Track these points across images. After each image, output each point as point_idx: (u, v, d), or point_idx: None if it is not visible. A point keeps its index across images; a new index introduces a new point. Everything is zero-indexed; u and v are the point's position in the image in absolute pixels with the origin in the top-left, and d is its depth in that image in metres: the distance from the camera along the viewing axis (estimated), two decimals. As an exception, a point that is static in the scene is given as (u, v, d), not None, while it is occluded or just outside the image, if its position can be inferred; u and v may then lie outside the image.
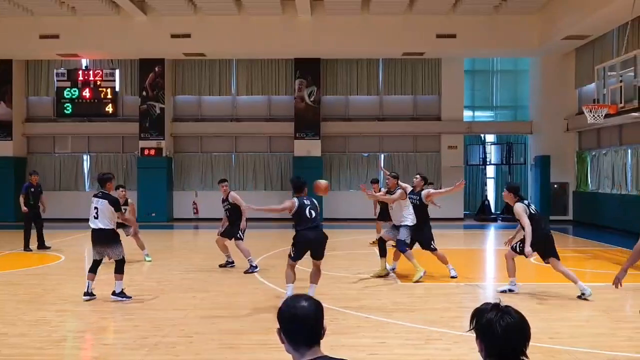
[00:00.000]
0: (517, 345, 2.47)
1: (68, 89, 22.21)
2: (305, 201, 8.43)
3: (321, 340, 2.62)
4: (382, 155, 23.31)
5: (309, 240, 8.14)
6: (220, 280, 10.31)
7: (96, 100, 22.23)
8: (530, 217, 8.48)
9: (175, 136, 23.21)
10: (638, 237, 5.42)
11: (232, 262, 11.46)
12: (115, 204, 8.66)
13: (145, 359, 5.89)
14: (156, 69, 22.20)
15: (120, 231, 12.08)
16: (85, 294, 8.64)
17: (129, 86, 23.09)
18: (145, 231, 18.68)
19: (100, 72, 22.30)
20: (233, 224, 11.08)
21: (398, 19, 20.27)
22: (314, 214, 8.29)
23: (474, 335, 2.55)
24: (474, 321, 2.56)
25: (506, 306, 2.53)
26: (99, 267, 8.83)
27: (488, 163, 23.77)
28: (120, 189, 12.05)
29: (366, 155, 23.31)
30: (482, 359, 2.53)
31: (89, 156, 23.55)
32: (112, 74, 22.35)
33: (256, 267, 11.01)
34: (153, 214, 21.31)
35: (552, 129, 21.89)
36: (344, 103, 23.42)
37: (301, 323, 2.58)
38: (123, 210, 11.94)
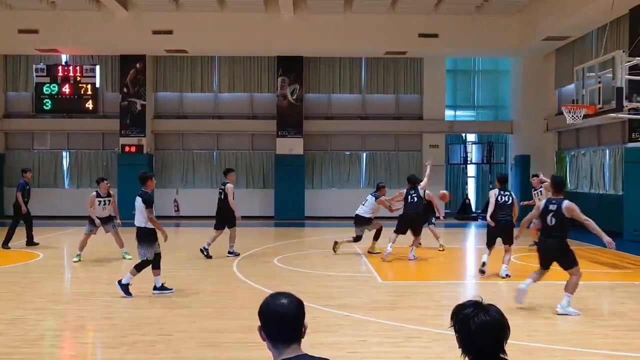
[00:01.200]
0: (491, 343, 2.49)
1: (47, 84, 21.92)
2: None
3: (302, 339, 2.62)
4: (365, 154, 23.34)
5: None
6: (201, 278, 10.27)
7: (76, 97, 21.96)
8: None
9: (156, 133, 23.04)
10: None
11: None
12: (146, 201, 8.72)
13: (124, 357, 5.85)
14: (137, 65, 22.01)
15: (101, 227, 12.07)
16: (155, 288, 8.77)
17: (109, 82, 22.86)
18: (126, 229, 18.53)
19: (80, 68, 22.03)
20: None
21: (381, 18, 20.32)
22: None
23: (454, 332, 2.58)
24: (453, 317, 2.58)
25: (487, 304, 2.55)
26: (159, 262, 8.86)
27: (469, 162, 23.94)
28: (105, 182, 12.09)
29: (348, 153, 23.34)
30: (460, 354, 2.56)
31: (68, 153, 23.28)
32: (93, 70, 22.10)
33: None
34: (133, 212, 21.07)
35: (532, 129, 22.12)
36: (326, 101, 23.43)
37: (280, 321, 2.58)
38: (105, 202, 11.92)
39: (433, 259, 12.71)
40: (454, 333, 2.56)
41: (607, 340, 6.48)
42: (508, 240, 10.31)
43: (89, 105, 22.03)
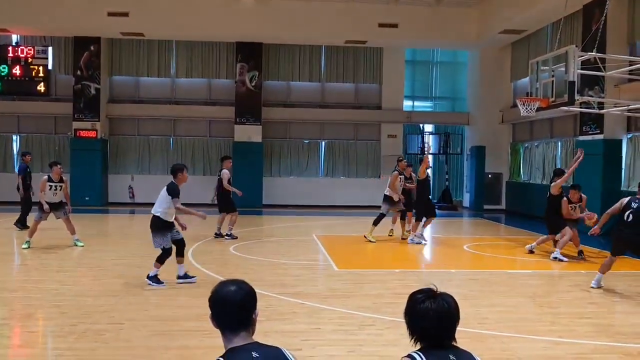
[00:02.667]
0: (438, 331, 2.50)
1: (-4, 65, 21.14)
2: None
3: (254, 327, 2.60)
4: (324, 143, 23.37)
5: None
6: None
7: (27, 78, 21.23)
8: None
9: (111, 118, 22.52)
10: None
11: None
12: (171, 191, 8.37)
13: (73, 346, 5.72)
14: (92, 47, 21.43)
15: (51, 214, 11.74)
16: (178, 277, 8.61)
17: (62, 65, 22.20)
18: (79, 215, 18.10)
19: (32, 49, 21.28)
20: None
21: (341, 7, 20.28)
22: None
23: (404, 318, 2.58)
24: (407, 303, 2.60)
25: (440, 292, 2.56)
26: (172, 252, 8.54)
27: (426, 152, 24.20)
28: (58, 166, 11.80)
29: (307, 142, 23.31)
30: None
31: (18, 136, 22.56)
32: (45, 52, 21.38)
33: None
34: (87, 198, 20.64)
35: (488, 121, 22.51)
36: (285, 89, 23.31)
37: (228, 308, 2.55)
38: (57, 187, 11.57)
39: (386, 248, 12.84)
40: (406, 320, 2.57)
41: (553, 327, 6.67)
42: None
43: (41, 87, 21.33)
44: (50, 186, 11.62)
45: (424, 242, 12.91)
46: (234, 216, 13.38)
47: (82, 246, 11.65)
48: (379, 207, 13.70)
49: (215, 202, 13.87)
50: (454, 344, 2.53)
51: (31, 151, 22.33)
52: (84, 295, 7.79)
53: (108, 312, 6.95)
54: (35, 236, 11.68)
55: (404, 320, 2.58)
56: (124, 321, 6.56)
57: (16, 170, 22.11)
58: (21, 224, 14.25)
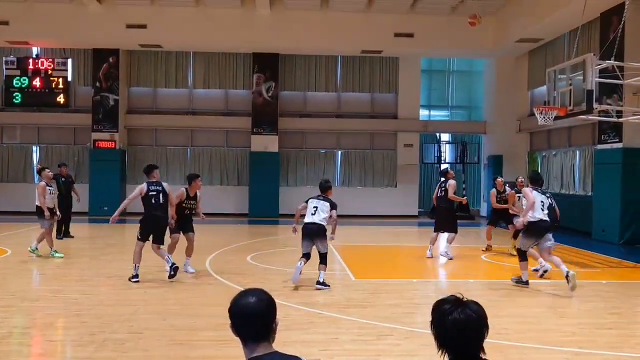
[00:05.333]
0: (466, 341, 2.39)
1: (17, 77, 21.52)
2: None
3: (274, 336, 2.61)
4: (340, 152, 23.39)
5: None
6: (173, 275, 10.15)
7: (47, 90, 21.59)
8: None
9: (129, 128, 22.76)
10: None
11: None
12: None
13: (93, 355, 5.76)
14: (110, 59, 21.72)
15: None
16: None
17: (81, 76, 22.52)
18: (97, 225, 18.30)
19: (52, 61, 21.67)
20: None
21: (357, 17, 20.36)
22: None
23: (431, 328, 2.48)
24: (433, 312, 2.50)
25: (467, 301, 2.45)
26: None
27: (443, 162, 24.15)
28: (47, 170, 12.12)
29: (323, 151, 23.36)
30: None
31: (38, 147, 22.88)
32: (64, 64, 21.73)
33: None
34: (105, 208, 20.75)
35: (505, 130, 22.39)
36: (302, 99, 23.41)
37: (248, 318, 2.56)
38: (52, 191, 11.80)
39: (405, 258, 12.78)
40: (428, 330, 2.48)
41: (574, 338, 6.59)
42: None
43: (60, 99, 21.68)
44: (50, 190, 11.81)
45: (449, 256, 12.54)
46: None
47: (61, 257, 11.54)
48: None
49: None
50: (483, 355, 2.43)
51: (51, 162, 22.70)
52: (104, 305, 7.85)
53: (127, 321, 7.00)
54: (55, 246, 11.78)
55: (422, 330, 2.55)
56: (142, 330, 6.60)
57: (35, 181, 22.48)
58: (63, 234, 14.47)
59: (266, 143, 22.09)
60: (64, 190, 14.47)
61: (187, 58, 22.87)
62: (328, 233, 9.18)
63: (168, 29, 20.34)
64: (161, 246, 9.51)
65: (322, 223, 9.07)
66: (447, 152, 24.37)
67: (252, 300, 2.58)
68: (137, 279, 9.23)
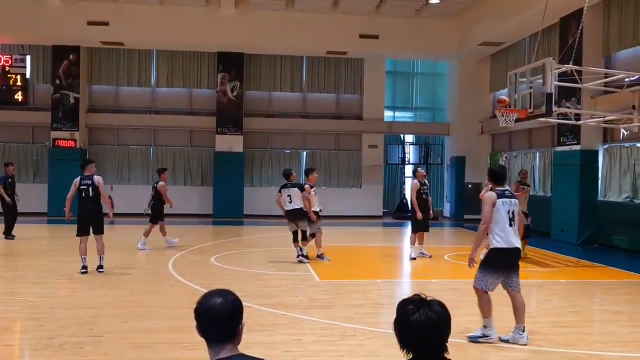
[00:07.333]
0: (430, 341, 2.38)
1: (-27, 73, 20.88)
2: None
3: (240, 338, 2.57)
4: (305, 153, 23.38)
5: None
6: (135, 277, 10.02)
7: (4, 87, 21.04)
8: None
9: (90, 127, 22.33)
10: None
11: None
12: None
13: (50, 360, 5.63)
14: (71, 56, 21.26)
15: None
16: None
17: (40, 73, 21.98)
18: (56, 225, 17.89)
19: (10, 58, 21.10)
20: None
21: (322, 17, 20.40)
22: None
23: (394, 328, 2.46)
24: (396, 312, 2.48)
25: (430, 300, 2.44)
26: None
27: (407, 162, 24.37)
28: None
29: (288, 152, 23.32)
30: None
31: (-5, 146, 22.25)
32: (23, 60, 21.21)
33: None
34: (64, 208, 20.34)
35: (468, 131, 22.74)
36: (267, 99, 23.33)
37: (214, 319, 2.52)
38: None
39: (371, 257, 12.85)
40: (391, 330, 2.47)
41: (533, 337, 6.71)
42: None
43: (19, 96, 21.15)
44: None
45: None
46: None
47: None
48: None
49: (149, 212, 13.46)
50: (446, 355, 2.43)
51: (7, 159, 22.09)
52: (62, 307, 7.68)
53: (87, 324, 6.85)
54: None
55: (385, 331, 2.55)
56: (102, 333, 6.47)
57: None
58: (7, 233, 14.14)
59: (231, 143, 21.94)
60: (9, 190, 14.31)
61: (150, 56, 22.55)
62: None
63: (131, 26, 20.02)
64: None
65: (299, 206, 11.23)
66: (411, 153, 24.61)
67: (218, 300, 2.54)
68: (85, 270, 9.83)
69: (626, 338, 6.82)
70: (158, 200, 13.20)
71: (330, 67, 23.13)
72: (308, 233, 11.73)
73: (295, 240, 11.51)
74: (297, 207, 11.27)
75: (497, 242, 6.24)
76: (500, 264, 6.32)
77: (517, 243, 6.29)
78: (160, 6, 19.93)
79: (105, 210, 10.25)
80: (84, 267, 9.87)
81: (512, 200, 6.33)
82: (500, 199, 6.27)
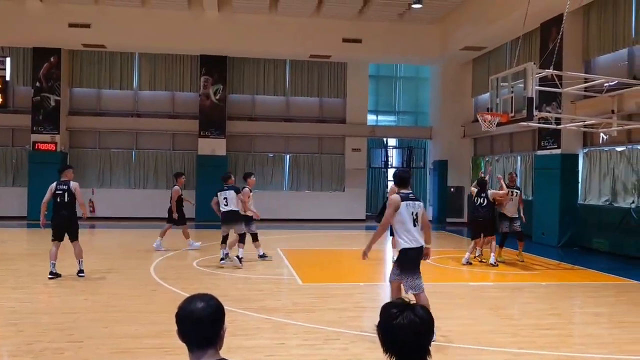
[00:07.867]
0: (412, 344, 2.39)
1: (-49, 76, 20.55)
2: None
3: (222, 342, 2.55)
4: (288, 156, 23.35)
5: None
6: (116, 282, 9.92)
7: (-17, 89, 20.70)
8: None
9: (71, 130, 22.10)
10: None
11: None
12: None
13: (29, 366, 5.54)
14: (52, 59, 21.03)
15: None
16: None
17: (21, 76, 21.70)
18: (36, 230, 17.65)
19: (-11, 60, 20.79)
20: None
21: (306, 21, 20.42)
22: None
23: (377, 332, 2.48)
24: (380, 315, 2.48)
25: (414, 304, 2.46)
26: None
27: (390, 166, 24.45)
28: None
29: (272, 155, 23.28)
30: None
31: (-27, 149, 21.93)
32: (3, 62, 20.84)
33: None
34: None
35: (450, 135, 22.88)
36: (250, 102, 23.28)
37: (196, 324, 2.49)
38: None
39: (351, 261, 12.85)
40: (375, 334, 2.46)
41: (515, 339, 6.77)
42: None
43: (-2, 99, 20.81)
44: None
45: None
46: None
47: None
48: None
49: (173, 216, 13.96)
50: (429, 358, 2.43)
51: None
52: (42, 313, 7.58)
53: (67, 330, 6.77)
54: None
55: (369, 334, 2.56)
56: (83, 339, 6.39)
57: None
58: None
59: (214, 146, 21.85)
60: None
61: (133, 59, 22.38)
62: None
63: (113, 29, 19.87)
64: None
65: (234, 209, 11.36)
66: (394, 157, 24.71)
67: (199, 305, 2.52)
68: (52, 276, 9.69)
69: (607, 340, 6.90)
70: (178, 204, 13.87)
71: (314, 70, 23.15)
72: (250, 233, 12.09)
73: (223, 242, 11.39)
74: (233, 209, 11.40)
75: (404, 242, 6.61)
76: (410, 261, 6.69)
77: (422, 242, 6.70)
78: (142, 9, 19.81)
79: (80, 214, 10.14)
80: (52, 272, 9.74)
81: (416, 202, 6.72)
82: (404, 202, 6.62)
